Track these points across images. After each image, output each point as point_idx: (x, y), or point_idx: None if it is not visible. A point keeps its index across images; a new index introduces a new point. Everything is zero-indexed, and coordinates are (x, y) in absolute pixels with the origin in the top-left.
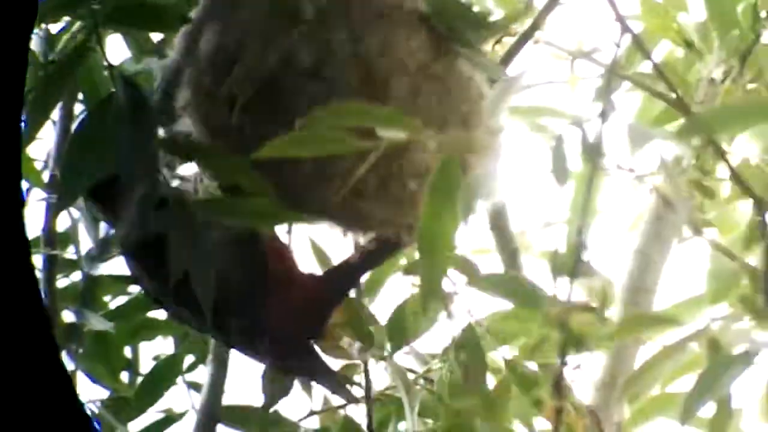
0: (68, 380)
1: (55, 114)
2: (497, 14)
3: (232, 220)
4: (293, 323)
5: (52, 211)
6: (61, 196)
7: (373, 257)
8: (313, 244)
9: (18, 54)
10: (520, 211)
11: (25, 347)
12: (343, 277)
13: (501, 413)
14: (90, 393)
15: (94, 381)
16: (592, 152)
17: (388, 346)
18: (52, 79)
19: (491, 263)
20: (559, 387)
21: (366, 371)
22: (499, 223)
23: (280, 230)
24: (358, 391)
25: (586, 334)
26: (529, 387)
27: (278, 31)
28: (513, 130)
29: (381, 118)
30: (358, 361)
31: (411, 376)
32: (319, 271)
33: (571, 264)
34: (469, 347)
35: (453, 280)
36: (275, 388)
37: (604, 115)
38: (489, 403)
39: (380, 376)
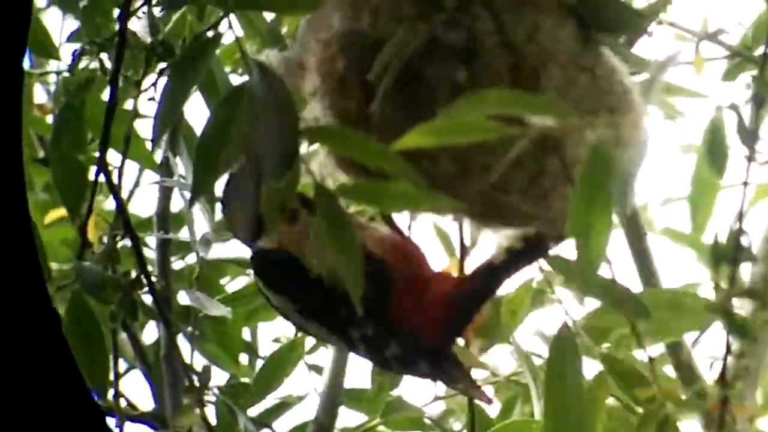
0: (74, 369)
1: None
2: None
3: (379, 205)
4: (432, 327)
5: (166, 194)
6: (194, 188)
7: (521, 258)
8: (438, 229)
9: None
10: (642, 187)
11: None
12: (487, 279)
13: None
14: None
15: (212, 364)
16: (748, 137)
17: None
18: (190, 59)
19: (616, 240)
20: (723, 377)
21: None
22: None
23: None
24: (482, 372)
25: (749, 321)
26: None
27: (420, 17)
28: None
29: (534, 105)
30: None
31: (537, 361)
32: (445, 265)
33: (730, 251)
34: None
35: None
36: (384, 379)
37: (757, 99)
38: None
39: (506, 360)
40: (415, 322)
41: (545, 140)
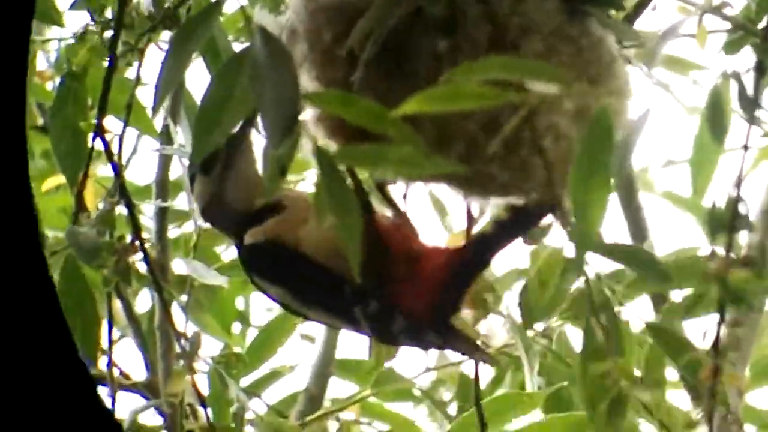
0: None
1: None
2: None
3: (377, 169)
4: (430, 301)
5: (165, 162)
6: (194, 152)
7: (513, 228)
8: (433, 196)
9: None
10: (642, 149)
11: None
12: (480, 250)
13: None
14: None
15: (205, 333)
16: (749, 105)
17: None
18: (191, 27)
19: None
20: (716, 345)
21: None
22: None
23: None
24: None
25: (745, 290)
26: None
27: None
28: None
29: (528, 69)
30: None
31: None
32: (441, 241)
33: (728, 219)
34: (604, 309)
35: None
36: (381, 350)
37: (760, 69)
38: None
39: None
40: (413, 298)
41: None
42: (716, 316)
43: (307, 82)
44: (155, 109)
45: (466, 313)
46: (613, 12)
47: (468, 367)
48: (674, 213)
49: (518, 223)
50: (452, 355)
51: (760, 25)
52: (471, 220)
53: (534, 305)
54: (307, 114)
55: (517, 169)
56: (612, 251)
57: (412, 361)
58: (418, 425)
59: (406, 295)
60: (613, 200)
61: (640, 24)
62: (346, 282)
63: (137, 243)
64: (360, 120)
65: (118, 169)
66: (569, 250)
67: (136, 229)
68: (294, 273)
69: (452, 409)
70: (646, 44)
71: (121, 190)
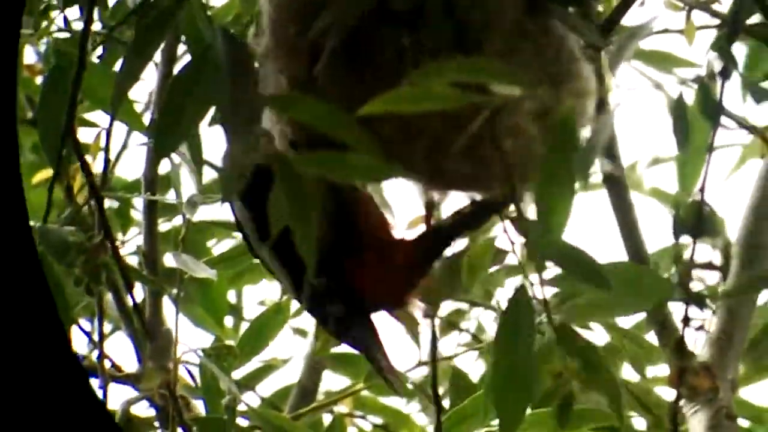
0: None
1: (158, 56)
2: None
3: (335, 175)
4: (375, 288)
5: (153, 156)
6: (158, 145)
7: (468, 221)
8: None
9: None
10: (629, 146)
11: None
12: (435, 241)
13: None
14: (193, 339)
15: (197, 326)
16: (712, 110)
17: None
18: (153, 23)
19: (600, 199)
20: (681, 347)
21: (433, 332)
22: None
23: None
24: (465, 338)
25: (708, 293)
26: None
27: None
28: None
29: (493, 72)
30: (465, 307)
31: None
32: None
33: (693, 222)
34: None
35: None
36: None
37: (725, 72)
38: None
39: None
40: (365, 283)
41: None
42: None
43: (270, 75)
44: (115, 103)
45: (418, 306)
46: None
47: (461, 361)
48: (662, 211)
49: (476, 215)
50: (445, 349)
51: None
52: (430, 211)
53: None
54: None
55: (477, 165)
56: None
57: (405, 355)
58: (412, 418)
59: (359, 280)
60: (603, 199)
61: (628, 20)
62: None
63: (107, 242)
64: (317, 124)
65: (84, 165)
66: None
67: (105, 225)
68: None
69: (446, 402)
70: (619, 41)
71: (90, 186)
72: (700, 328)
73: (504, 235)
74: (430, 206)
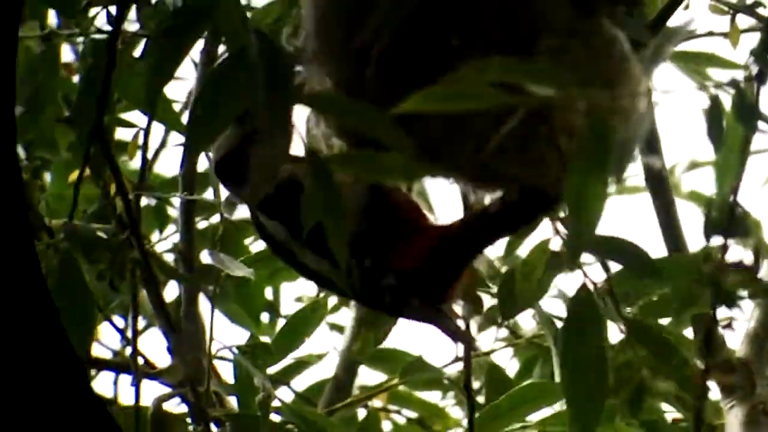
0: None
1: (198, 56)
2: None
3: (368, 176)
4: (419, 266)
5: (187, 155)
6: (190, 143)
7: (517, 213)
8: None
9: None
10: (670, 149)
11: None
12: (477, 227)
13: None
14: (230, 336)
15: (234, 323)
16: (748, 114)
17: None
18: (186, 22)
19: (642, 203)
20: (708, 345)
21: (468, 330)
22: (650, 160)
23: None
24: (502, 333)
25: (738, 292)
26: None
27: None
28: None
29: (532, 73)
30: None
31: (560, 324)
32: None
33: (725, 222)
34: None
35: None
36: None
37: (761, 77)
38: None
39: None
40: (406, 261)
41: (539, 107)
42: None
43: (318, 77)
44: (148, 101)
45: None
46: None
47: (498, 357)
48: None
49: (526, 210)
50: (483, 345)
51: None
52: (468, 208)
53: (516, 296)
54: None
55: (531, 165)
56: (599, 245)
57: (441, 351)
58: (447, 412)
59: (400, 259)
60: (645, 200)
61: (672, 22)
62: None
63: (133, 238)
64: (352, 123)
65: (113, 163)
66: (555, 244)
67: (133, 223)
68: (292, 209)
69: (481, 398)
70: (658, 42)
71: (118, 185)
72: (728, 326)
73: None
74: (467, 206)
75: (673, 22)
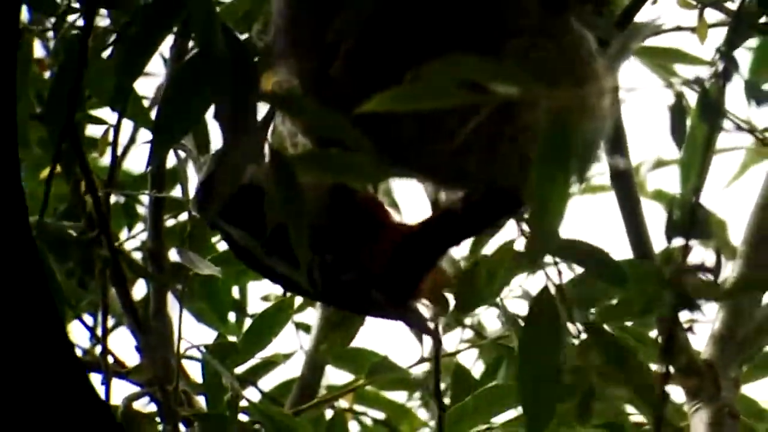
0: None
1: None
2: None
3: (331, 177)
4: (384, 262)
5: (155, 152)
6: (158, 141)
7: (481, 212)
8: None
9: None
10: (635, 148)
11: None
12: (441, 225)
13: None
14: (196, 335)
15: (201, 322)
16: (712, 113)
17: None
18: (155, 18)
19: (607, 202)
20: (670, 349)
21: (436, 330)
22: (615, 160)
23: None
24: (467, 334)
25: (700, 295)
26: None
27: None
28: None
29: (495, 72)
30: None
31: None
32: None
33: (687, 225)
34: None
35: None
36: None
37: (725, 74)
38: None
39: (492, 322)
40: (370, 257)
41: (502, 106)
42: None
43: (285, 75)
44: (118, 98)
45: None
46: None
47: (464, 357)
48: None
49: (490, 209)
50: (448, 345)
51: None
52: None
53: (476, 292)
54: None
55: (496, 165)
56: (563, 249)
57: (407, 351)
58: (413, 413)
59: (366, 257)
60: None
61: (641, 16)
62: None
63: (103, 236)
64: (315, 125)
65: (83, 162)
66: (520, 244)
67: (102, 221)
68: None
69: (447, 399)
70: (624, 39)
71: (89, 182)
72: (689, 329)
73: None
74: (437, 206)
75: (641, 16)
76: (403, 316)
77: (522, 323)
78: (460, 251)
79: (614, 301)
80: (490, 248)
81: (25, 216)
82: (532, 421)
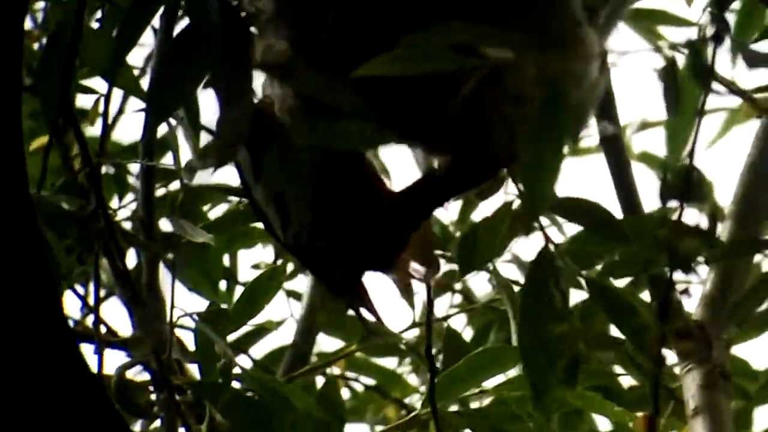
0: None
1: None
2: None
3: (329, 143)
4: (364, 244)
5: (149, 122)
6: (153, 110)
7: (464, 174)
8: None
9: None
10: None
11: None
12: (423, 190)
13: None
14: (188, 304)
15: (192, 291)
16: (703, 75)
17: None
18: None
19: (594, 164)
20: (665, 311)
21: (428, 293)
22: (604, 125)
23: None
24: (457, 298)
25: (694, 256)
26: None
27: None
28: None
29: (487, 37)
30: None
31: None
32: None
33: (680, 187)
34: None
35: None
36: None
37: (717, 38)
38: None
39: (482, 286)
40: (353, 226)
41: (490, 72)
42: None
43: (275, 40)
44: (113, 69)
45: (416, 270)
46: None
47: (455, 322)
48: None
49: (473, 171)
50: (438, 311)
51: None
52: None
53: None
54: None
55: (480, 129)
56: (560, 206)
57: (399, 316)
58: (405, 379)
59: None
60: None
61: None
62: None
63: (100, 211)
64: (310, 90)
65: (78, 133)
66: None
67: (99, 195)
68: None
69: (438, 364)
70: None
71: (84, 154)
72: (684, 291)
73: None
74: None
75: None
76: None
77: (515, 287)
78: (449, 215)
79: (614, 259)
80: (479, 212)
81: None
82: (535, 383)
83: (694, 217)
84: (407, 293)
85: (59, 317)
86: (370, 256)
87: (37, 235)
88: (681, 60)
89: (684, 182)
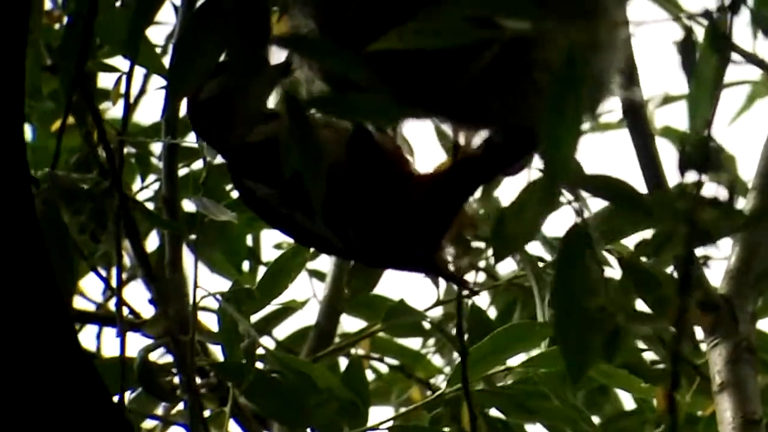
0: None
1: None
2: None
3: (347, 118)
4: (407, 219)
5: (169, 100)
6: (172, 88)
7: (502, 154)
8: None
9: None
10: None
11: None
12: (464, 172)
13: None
14: (211, 284)
15: (214, 271)
16: (722, 45)
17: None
18: None
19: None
20: (686, 284)
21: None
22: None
23: None
24: (481, 277)
25: (713, 228)
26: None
27: None
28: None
29: (507, 7)
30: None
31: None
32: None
33: (699, 158)
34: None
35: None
36: (358, 283)
37: (734, 6)
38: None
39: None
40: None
41: (520, 43)
42: None
43: (300, 20)
44: (130, 46)
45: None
46: None
47: (479, 299)
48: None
49: (511, 150)
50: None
51: None
52: (458, 150)
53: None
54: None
55: (512, 102)
56: (586, 182)
57: (422, 295)
58: (429, 358)
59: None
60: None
61: None
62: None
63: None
64: (329, 65)
65: (95, 112)
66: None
67: (114, 172)
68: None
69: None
70: None
71: (101, 132)
72: (704, 264)
73: None
74: (457, 147)
75: None
76: (426, 269)
77: (540, 264)
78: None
79: (648, 235)
80: (501, 189)
81: (26, 170)
82: (572, 360)
83: (713, 189)
84: (449, 276)
85: (54, 301)
86: (419, 241)
87: (32, 218)
88: (699, 31)
89: (702, 153)
